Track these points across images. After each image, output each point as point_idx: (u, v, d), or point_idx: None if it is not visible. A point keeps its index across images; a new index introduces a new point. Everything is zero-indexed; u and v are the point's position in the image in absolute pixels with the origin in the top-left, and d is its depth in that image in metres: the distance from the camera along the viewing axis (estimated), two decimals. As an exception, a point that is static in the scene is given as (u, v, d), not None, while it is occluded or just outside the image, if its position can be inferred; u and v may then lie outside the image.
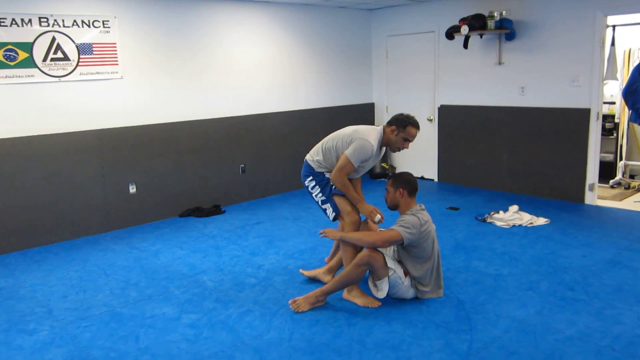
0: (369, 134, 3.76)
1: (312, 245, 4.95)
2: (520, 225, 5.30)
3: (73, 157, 5.36)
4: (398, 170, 7.99)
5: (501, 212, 5.54)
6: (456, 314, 3.47)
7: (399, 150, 3.84)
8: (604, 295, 3.69)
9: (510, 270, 4.20)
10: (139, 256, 4.85)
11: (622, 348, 3.01)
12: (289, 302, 3.67)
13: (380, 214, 3.74)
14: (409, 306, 3.60)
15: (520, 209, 5.63)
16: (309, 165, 3.96)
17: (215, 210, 6.22)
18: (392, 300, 3.69)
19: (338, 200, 3.82)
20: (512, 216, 5.40)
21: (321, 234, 3.81)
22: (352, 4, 7.17)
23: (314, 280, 4.11)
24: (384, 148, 3.95)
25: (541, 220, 5.38)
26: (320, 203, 3.93)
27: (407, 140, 3.78)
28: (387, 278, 3.54)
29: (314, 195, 3.94)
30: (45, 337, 3.39)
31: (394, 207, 3.72)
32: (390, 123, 3.81)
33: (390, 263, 3.56)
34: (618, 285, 3.85)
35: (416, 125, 3.78)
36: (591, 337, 3.14)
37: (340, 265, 4.01)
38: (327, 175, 3.88)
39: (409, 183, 3.67)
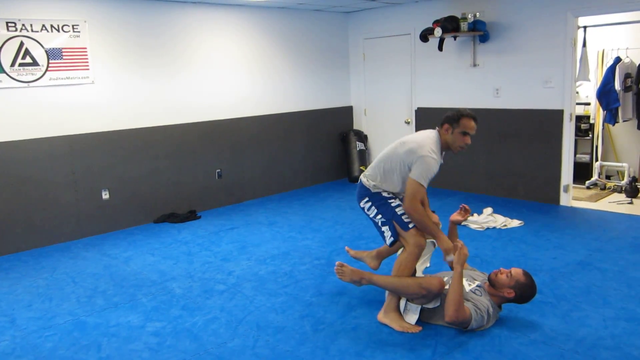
0: (429, 147, 3.34)
1: (285, 251, 4.92)
2: (494, 228, 5.30)
3: (43, 163, 5.28)
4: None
5: (475, 214, 5.55)
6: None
7: (462, 149, 3.44)
8: (572, 298, 3.69)
9: (481, 273, 4.19)
10: (109, 263, 4.79)
11: (585, 351, 3.00)
12: (337, 264, 3.45)
13: (453, 255, 3.35)
14: (375, 312, 3.56)
15: (495, 211, 5.64)
16: (365, 187, 3.55)
17: (191, 215, 6.17)
18: (360, 306, 3.67)
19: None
20: (486, 219, 5.40)
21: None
22: (328, 7, 7.15)
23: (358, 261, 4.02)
24: (443, 152, 3.51)
25: (515, 222, 5.39)
26: (379, 224, 3.50)
27: (466, 134, 3.38)
28: (420, 307, 3.33)
29: (371, 216, 3.55)
30: (5, 348, 3.33)
31: (493, 285, 3.34)
32: (442, 123, 3.45)
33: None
34: (586, 287, 3.85)
35: (470, 116, 3.39)
36: (555, 340, 3.13)
37: (389, 253, 3.79)
38: (385, 194, 3.49)
39: (523, 298, 3.33)
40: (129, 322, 3.60)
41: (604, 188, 6.77)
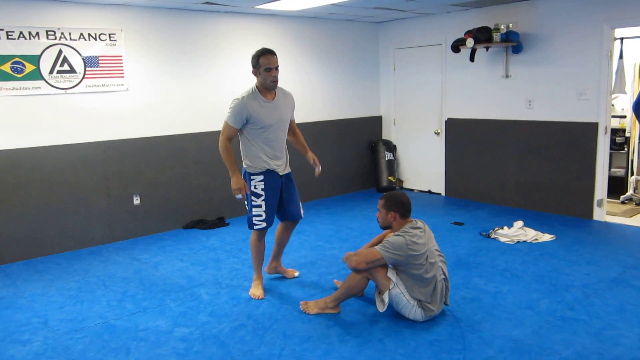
0: (239, 95, 3.86)
1: (311, 260, 4.92)
2: (524, 242, 5.21)
3: (78, 168, 5.41)
4: (405, 184, 7.93)
5: (506, 227, 5.46)
6: (450, 333, 3.41)
7: (274, 82, 3.85)
8: (605, 316, 3.60)
9: (511, 287, 4.12)
10: (139, 268, 4.86)
11: (618, 371, 2.92)
12: (300, 303, 3.87)
13: (242, 195, 3.90)
14: (402, 323, 3.54)
15: (526, 225, 5.54)
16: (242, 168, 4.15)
17: (219, 222, 6.23)
18: (387, 317, 3.64)
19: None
20: (516, 232, 5.31)
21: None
22: (359, 17, 7.17)
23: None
24: (278, 93, 3.99)
25: (546, 237, 5.29)
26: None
27: (269, 69, 3.80)
28: (387, 291, 3.48)
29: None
30: (38, 348, 3.40)
31: (385, 228, 3.65)
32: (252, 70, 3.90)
33: (392, 275, 3.49)
34: (620, 305, 3.75)
35: (264, 52, 3.81)
36: (588, 359, 3.05)
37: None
38: (253, 187, 3.98)
39: (401, 205, 3.54)
40: (157, 327, 3.64)
41: (639, 203, 6.60)
